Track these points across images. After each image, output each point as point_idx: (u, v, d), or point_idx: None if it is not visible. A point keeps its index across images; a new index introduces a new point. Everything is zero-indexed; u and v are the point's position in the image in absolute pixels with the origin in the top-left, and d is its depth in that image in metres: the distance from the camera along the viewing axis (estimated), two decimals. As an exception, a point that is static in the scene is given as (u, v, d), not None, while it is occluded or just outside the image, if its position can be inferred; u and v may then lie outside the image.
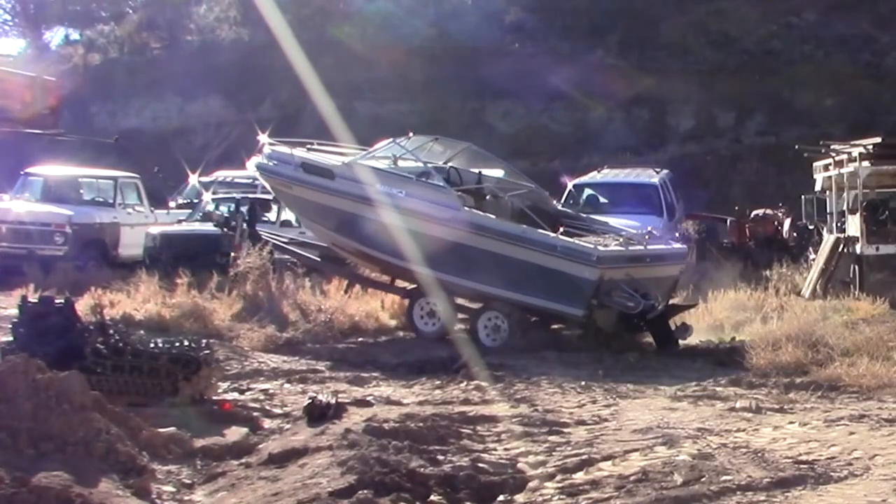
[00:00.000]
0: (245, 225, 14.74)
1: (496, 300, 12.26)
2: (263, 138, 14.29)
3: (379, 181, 12.82)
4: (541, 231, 12.34)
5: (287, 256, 14.74)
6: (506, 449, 6.92)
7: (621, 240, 12.84)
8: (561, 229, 12.83)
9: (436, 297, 12.61)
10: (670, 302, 12.84)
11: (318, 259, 14.49)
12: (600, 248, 12.18)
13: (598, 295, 11.81)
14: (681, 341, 12.15)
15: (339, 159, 13.60)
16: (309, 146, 14.26)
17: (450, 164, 13.76)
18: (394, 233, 12.60)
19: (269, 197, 16.24)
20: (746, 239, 22.02)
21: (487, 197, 13.39)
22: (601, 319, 12.12)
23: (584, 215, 14.88)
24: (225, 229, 15.01)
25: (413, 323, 12.81)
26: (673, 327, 12.26)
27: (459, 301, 12.92)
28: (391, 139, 14.08)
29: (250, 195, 17.24)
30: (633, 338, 12.40)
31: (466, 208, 12.63)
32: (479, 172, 13.92)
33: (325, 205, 13.15)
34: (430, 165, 13.28)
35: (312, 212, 13.55)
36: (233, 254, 14.62)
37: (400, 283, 13.59)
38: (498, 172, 14.54)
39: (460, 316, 12.80)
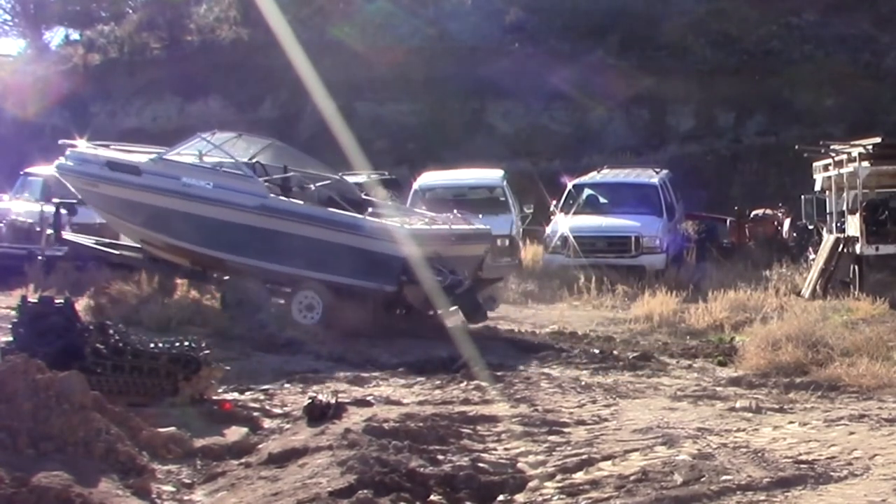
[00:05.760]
0: (51, 230, 14.84)
1: (309, 282, 12.71)
2: (71, 142, 14.71)
3: (184, 174, 13.27)
4: (348, 213, 12.98)
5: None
6: (506, 449, 6.92)
7: (426, 220, 13.65)
8: (369, 209, 13.45)
9: (248, 284, 13.02)
10: (479, 277, 13.62)
11: (124, 256, 14.57)
12: (406, 226, 12.92)
13: (407, 271, 12.39)
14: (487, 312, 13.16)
15: (145, 156, 13.97)
16: (112, 147, 14.79)
17: (255, 159, 14.07)
18: (202, 224, 13.07)
19: (75, 200, 16.26)
20: (746, 239, 22.03)
21: (294, 188, 13.72)
22: (411, 295, 12.68)
23: (390, 203, 15.31)
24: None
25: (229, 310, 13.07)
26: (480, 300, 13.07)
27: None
28: (197, 134, 14.58)
29: (55, 200, 16.72)
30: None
31: (273, 196, 13.09)
32: (285, 167, 14.23)
33: (131, 201, 13.49)
34: (235, 159, 13.60)
35: (119, 209, 13.83)
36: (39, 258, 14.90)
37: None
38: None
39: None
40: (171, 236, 13.43)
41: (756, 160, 27.63)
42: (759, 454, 6.57)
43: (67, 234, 15.04)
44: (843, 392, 8.97)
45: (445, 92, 29.42)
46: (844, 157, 16.27)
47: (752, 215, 22.67)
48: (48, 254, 16.40)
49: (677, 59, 29.34)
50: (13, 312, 8.96)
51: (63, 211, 14.97)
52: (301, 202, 13.27)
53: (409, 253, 12.44)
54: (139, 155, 14.24)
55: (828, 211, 17.70)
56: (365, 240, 12.63)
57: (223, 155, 13.73)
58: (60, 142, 14.93)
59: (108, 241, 14.96)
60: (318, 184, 13.95)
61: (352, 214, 13.05)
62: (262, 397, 8.82)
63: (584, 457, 6.60)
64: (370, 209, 13.78)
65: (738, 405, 8.36)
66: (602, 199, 19.92)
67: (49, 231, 14.96)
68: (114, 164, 13.76)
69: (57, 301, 8.60)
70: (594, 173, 20.98)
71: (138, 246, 14.28)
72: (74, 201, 15.51)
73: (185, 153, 13.97)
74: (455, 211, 14.74)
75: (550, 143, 29.13)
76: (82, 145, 14.66)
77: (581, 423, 7.71)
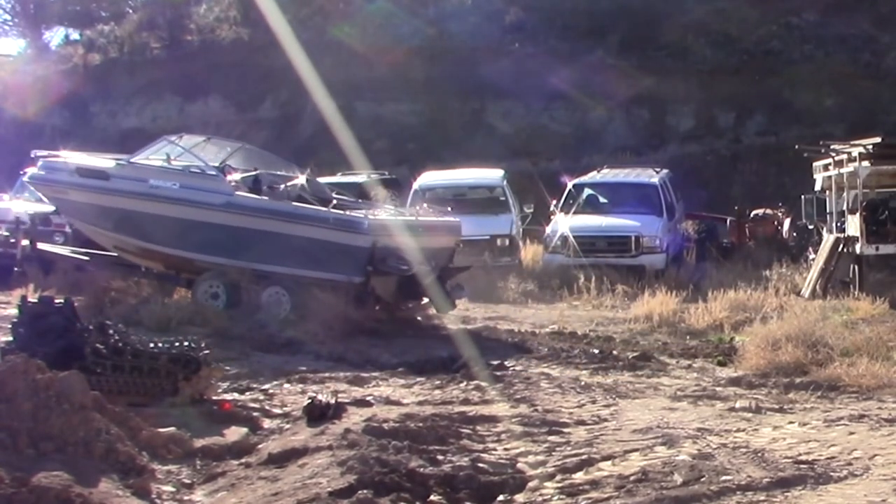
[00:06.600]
0: (27, 242, 14.88)
1: (277, 277, 12.83)
2: (45, 152, 14.74)
3: (151, 176, 13.38)
4: (312, 206, 13.07)
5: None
6: (506, 449, 6.91)
7: (392, 211, 13.85)
8: (333, 202, 13.56)
9: (217, 281, 13.08)
10: (448, 268, 13.84)
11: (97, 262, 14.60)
12: (371, 217, 13.02)
13: (373, 261, 12.52)
14: (457, 301, 13.63)
15: (113, 161, 14.05)
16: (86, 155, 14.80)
17: (225, 162, 14.09)
18: (171, 225, 13.16)
19: (50, 210, 16.20)
20: (746, 239, 22.03)
21: (264, 188, 13.76)
22: (380, 287, 12.81)
23: (361, 201, 15.31)
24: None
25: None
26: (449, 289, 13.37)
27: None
28: (163, 138, 14.64)
29: (31, 211, 16.94)
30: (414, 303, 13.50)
31: (239, 193, 13.15)
32: (255, 168, 14.26)
33: (102, 206, 13.56)
34: (204, 161, 13.65)
35: (91, 215, 13.88)
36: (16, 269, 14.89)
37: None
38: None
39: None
40: (141, 239, 13.50)
41: (756, 160, 27.65)
42: (759, 454, 6.57)
43: (42, 245, 15.05)
44: (843, 392, 8.97)
45: (445, 92, 29.43)
46: (844, 156, 16.27)
47: (752, 215, 22.68)
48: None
49: (677, 59, 29.36)
50: (14, 312, 8.97)
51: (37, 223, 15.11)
52: (266, 198, 13.30)
53: (374, 243, 12.53)
54: (109, 161, 14.31)
55: (828, 211, 17.71)
56: (330, 232, 12.72)
57: (192, 158, 13.77)
58: (33, 153, 14.93)
59: (85, 250, 14.93)
60: (287, 184, 13.96)
61: (315, 207, 13.11)
62: (262, 397, 8.82)
63: (584, 457, 6.60)
64: (334, 202, 13.83)
65: (738, 405, 8.35)
66: (602, 199, 19.92)
67: (25, 242, 14.95)
68: (82, 170, 13.82)
69: (57, 301, 8.60)
70: (594, 173, 20.98)
71: (115, 254, 14.29)
72: (49, 212, 15.53)
73: (153, 157, 14.01)
74: (425, 205, 14.72)
75: (550, 143, 29.14)
76: (65, 155, 14.66)
77: (581, 423, 7.71)
